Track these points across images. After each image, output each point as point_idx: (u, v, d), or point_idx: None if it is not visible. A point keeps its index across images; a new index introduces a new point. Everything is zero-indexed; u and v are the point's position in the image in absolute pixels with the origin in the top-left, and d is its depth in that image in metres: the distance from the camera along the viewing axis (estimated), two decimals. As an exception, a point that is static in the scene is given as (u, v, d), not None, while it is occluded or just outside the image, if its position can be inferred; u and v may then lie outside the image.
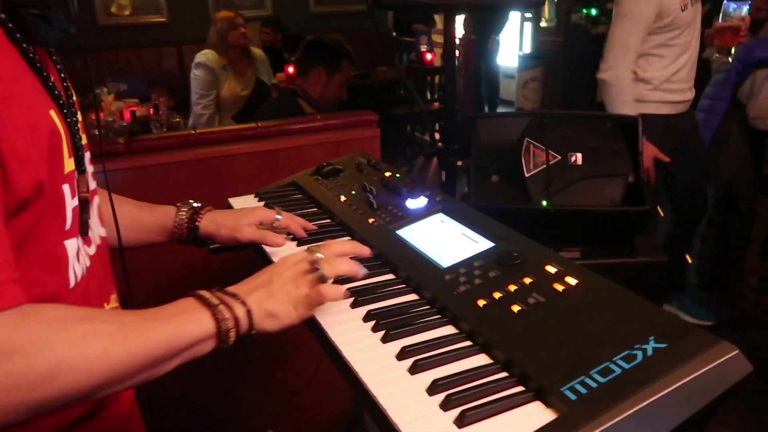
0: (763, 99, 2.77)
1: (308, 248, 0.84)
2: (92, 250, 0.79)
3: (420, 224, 1.04)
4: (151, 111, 3.78)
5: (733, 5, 2.30)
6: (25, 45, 0.66)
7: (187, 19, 5.71)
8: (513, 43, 7.69)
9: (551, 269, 0.80)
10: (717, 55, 2.42)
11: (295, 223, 1.11)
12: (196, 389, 1.68)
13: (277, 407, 1.92)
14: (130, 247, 0.93)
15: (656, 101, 2.41)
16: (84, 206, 0.77)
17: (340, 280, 0.86)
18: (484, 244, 0.92)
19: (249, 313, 0.73)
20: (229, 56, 3.81)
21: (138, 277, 0.96)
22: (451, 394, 0.63)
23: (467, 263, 0.87)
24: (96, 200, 0.83)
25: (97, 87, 3.59)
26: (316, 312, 0.81)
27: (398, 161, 5.18)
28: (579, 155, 1.61)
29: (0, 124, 0.58)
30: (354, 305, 0.85)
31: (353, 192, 1.23)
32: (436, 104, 5.61)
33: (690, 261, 3.04)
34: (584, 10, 6.52)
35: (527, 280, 0.79)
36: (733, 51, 2.38)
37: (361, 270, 0.84)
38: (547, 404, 0.61)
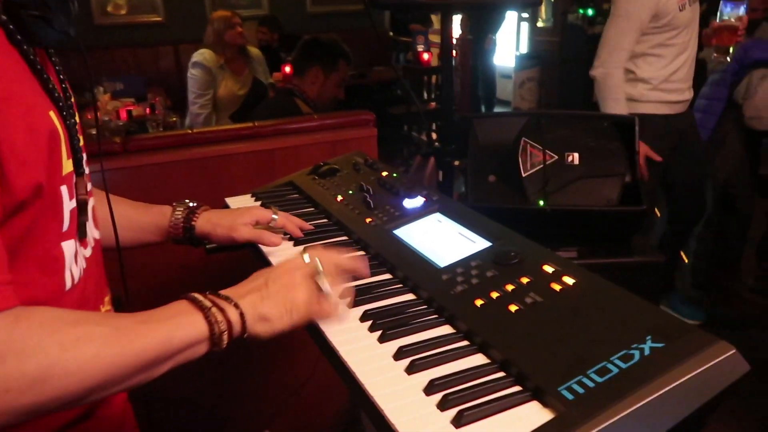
0: (760, 99, 2.78)
1: (305, 249, 0.82)
2: (88, 252, 0.79)
3: (417, 224, 1.04)
4: (148, 110, 3.77)
5: (730, 5, 2.30)
6: (25, 46, 0.66)
7: (184, 18, 5.71)
8: (510, 43, 7.70)
9: (548, 269, 0.80)
10: (715, 54, 2.43)
11: (292, 222, 1.11)
12: (192, 389, 1.67)
13: (274, 407, 1.92)
14: (125, 247, 0.93)
15: (655, 101, 2.41)
16: (82, 208, 0.77)
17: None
18: (481, 243, 0.91)
19: (242, 316, 0.72)
20: (226, 55, 3.80)
21: (134, 278, 0.95)
22: (449, 393, 0.63)
23: (464, 263, 0.87)
24: (90, 202, 0.83)
25: (88, 79, 3.56)
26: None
27: (395, 161, 5.18)
28: (576, 155, 1.61)
29: (0, 125, 0.58)
30: (351, 306, 0.85)
31: (350, 192, 1.22)
32: (433, 104, 5.61)
33: (686, 260, 3.05)
34: (581, 11, 6.53)
35: (524, 280, 0.79)
36: (731, 51, 2.39)
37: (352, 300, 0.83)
38: (545, 404, 0.61)
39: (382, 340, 0.76)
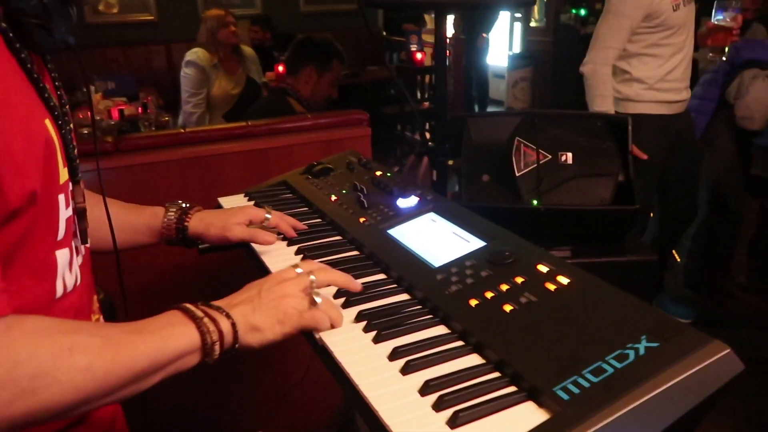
0: (751, 99, 2.79)
1: (301, 260, 0.82)
2: (80, 260, 0.78)
3: (411, 224, 1.04)
4: (140, 110, 3.75)
5: (724, 5, 2.32)
6: (23, 54, 0.66)
7: (176, 17, 5.68)
8: (503, 43, 7.71)
9: (543, 268, 0.80)
10: (711, 54, 2.44)
11: (285, 222, 1.10)
12: (185, 391, 1.66)
13: (267, 408, 1.91)
14: (118, 249, 0.92)
15: (651, 101, 2.42)
16: (82, 216, 0.76)
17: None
18: (475, 243, 0.91)
19: (234, 326, 0.72)
20: (219, 54, 3.79)
21: (127, 279, 0.95)
22: (444, 394, 0.63)
23: (459, 263, 0.87)
24: None
25: (84, 85, 3.54)
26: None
27: (389, 161, 5.18)
28: (569, 155, 1.61)
29: None
30: (345, 305, 0.84)
31: (344, 191, 1.22)
32: (426, 104, 5.61)
33: (678, 260, 3.06)
34: (573, 11, 6.56)
35: (519, 280, 0.79)
36: (726, 50, 2.40)
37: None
38: (540, 404, 0.61)
39: (376, 340, 0.76)
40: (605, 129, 1.68)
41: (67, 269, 0.72)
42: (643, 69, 2.40)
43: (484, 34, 6.77)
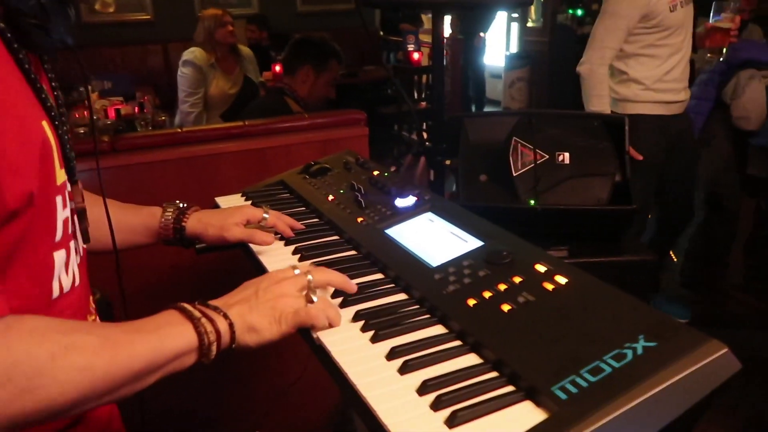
0: (747, 99, 2.80)
1: (298, 262, 0.82)
2: (77, 260, 0.78)
3: (409, 223, 1.04)
4: (136, 109, 3.74)
5: (723, 6, 2.32)
6: (21, 55, 0.65)
7: (172, 16, 5.67)
8: (500, 43, 7.72)
9: (541, 268, 0.80)
10: (709, 55, 2.45)
11: (283, 222, 1.10)
12: (181, 391, 1.66)
13: (264, 408, 1.91)
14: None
15: (649, 101, 2.43)
16: (81, 215, 0.76)
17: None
18: (473, 243, 0.91)
19: (231, 326, 0.72)
20: (216, 54, 3.78)
21: (124, 279, 0.94)
22: (442, 394, 0.63)
23: (456, 262, 0.87)
24: None
25: (81, 85, 3.54)
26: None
27: (386, 160, 5.18)
28: (566, 154, 1.62)
29: None
30: (343, 305, 0.84)
31: (341, 191, 1.22)
32: (424, 104, 5.61)
33: (675, 260, 3.07)
34: (570, 11, 6.57)
35: (517, 279, 0.79)
36: (724, 51, 2.41)
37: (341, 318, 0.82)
38: (538, 404, 0.61)
39: (374, 340, 0.76)
40: (602, 129, 1.68)
41: (64, 270, 0.72)
42: (641, 69, 2.40)
43: (482, 34, 6.78)
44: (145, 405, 0.90)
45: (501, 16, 7.36)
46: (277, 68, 4.14)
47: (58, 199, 0.69)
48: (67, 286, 0.72)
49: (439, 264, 0.88)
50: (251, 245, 1.06)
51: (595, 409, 0.56)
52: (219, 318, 0.71)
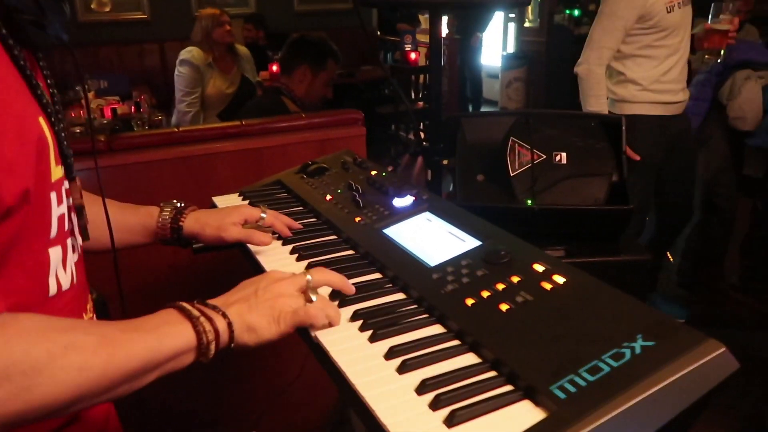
0: (743, 100, 2.81)
1: (296, 262, 0.81)
2: (75, 258, 0.78)
3: (407, 223, 1.04)
4: (133, 109, 3.73)
5: (721, 8, 2.33)
6: (16, 51, 0.65)
7: (169, 16, 5.66)
8: (497, 43, 7.72)
9: (539, 268, 0.80)
10: (707, 57, 2.46)
11: (280, 221, 1.10)
12: (179, 390, 1.65)
13: (262, 407, 1.91)
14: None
15: (646, 102, 2.43)
16: (80, 212, 0.76)
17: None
18: (471, 242, 0.91)
19: (230, 325, 0.72)
20: (214, 54, 3.77)
21: (123, 276, 0.94)
22: (441, 393, 0.63)
23: (455, 262, 0.87)
24: None
25: (77, 84, 3.53)
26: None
27: (383, 160, 5.17)
28: (563, 154, 1.62)
29: None
30: (341, 305, 0.84)
31: (339, 191, 1.22)
32: (421, 103, 5.62)
33: (672, 259, 3.07)
34: (567, 11, 6.58)
35: (515, 279, 0.79)
36: (722, 53, 2.42)
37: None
38: (537, 403, 0.61)
39: (372, 339, 0.75)
40: (599, 129, 1.68)
41: (61, 267, 0.71)
42: (638, 70, 2.41)
43: (479, 34, 6.79)
44: (142, 405, 0.90)
45: (498, 16, 7.37)
46: (274, 68, 4.14)
47: (53, 196, 0.69)
48: (65, 283, 0.72)
49: (437, 263, 0.88)
50: (249, 245, 1.06)
51: (593, 409, 0.56)
52: (218, 317, 0.71)
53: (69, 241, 0.74)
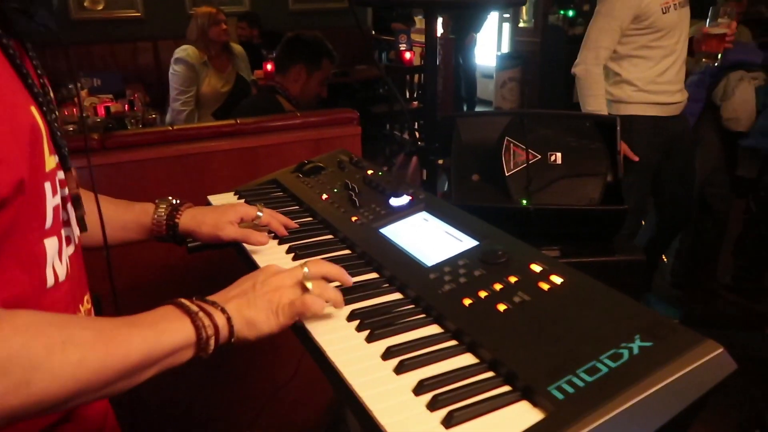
0: (737, 101, 2.82)
1: (292, 261, 0.81)
2: (71, 250, 0.77)
3: (403, 222, 1.03)
4: (126, 107, 3.71)
5: (719, 11, 2.34)
6: (5, 41, 0.64)
7: (163, 14, 5.64)
8: (491, 43, 7.73)
9: (536, 268, 0.79)
10: (704, 60, 2.47)
11: (277, 220, 1.09)
12: (175, 389, 1.65)
13: (256, 408, 1.90)
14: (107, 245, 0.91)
15: (642, 102, 2.44)
16: (77, 202, 0.76)
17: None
18: (468, 242, 0.91)
19: (229, 320, 0.72)
20: (209, 52, 3.76)
21: (116, 275, 0.93)
22: (439, 394, 0.63)
23: (452, 262, 0.87)
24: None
25: (70, 82, 3.51)
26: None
27: (378, 160, 5.17)
28: (558, 155, 1.62)
29: None
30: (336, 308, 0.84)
31: (335, 190, 1.21)
32: (415, 103, 5.62)
33: (665, 260, 3.09)
34: (561, 12, 6.60)
35: (512, 279, 0.78)
36: (719, 57, 2.43)
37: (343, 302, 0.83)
38: (535, 404, 0.61)
39: (369, 339, 0.75)
40: (594, 129, 1.68)
41: (57, 258, 0.71)
42: (634, 71, 2.42)
43: (474, 34, 6.80)
44: (139, 404, 0.89)
45: (492, 17, 7.38)
46: (269, 67, 4.13)
47: (47, 186, 0.68)
48: (61, 275, 0.72)
49: (434, 263, 0.88)
50: (245, 245, 1.05)
51: (591, 409, 0.56)
52: (216, 312, 0.71)
53: (63, 232, 0.74)
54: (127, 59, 5.46)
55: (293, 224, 1.11)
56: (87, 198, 0.88)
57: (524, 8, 6.89)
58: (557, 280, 0.76)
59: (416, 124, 5.17)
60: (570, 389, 0.59)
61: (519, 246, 0.87)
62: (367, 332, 0.76)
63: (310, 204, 1.20)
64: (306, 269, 0.80)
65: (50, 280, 0.69)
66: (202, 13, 3.77)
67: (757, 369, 2.34)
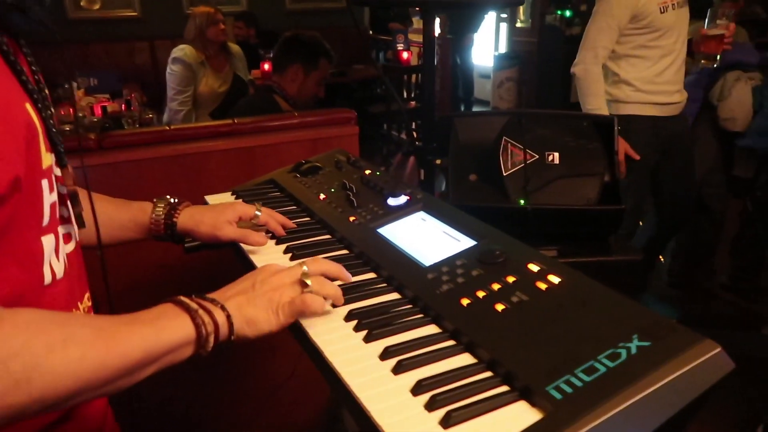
0: (733, 101, 2.83)
1: (290, 261, 0.81)
2: (70, 247, 0.77)
3: (401, 222, 1.03)
4: (123, 107, 3.71)
5: (717, 13, 2.35)
6: None
7: (160, 13, 5.63)
8: (489, 43, 7.74)
9: (534, 267, 0.79)
10: (703, 61, 2.47)
11: (275, 220, 1.09)
12: (173, 389, 1.64)
13: (254, 407, 1.90)
14: (104, 244, 0.91)
15: (640, 102, 2.44)
16: (74, 199, 0.76)
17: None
18: (466, 242, 0.91)
19: (229, 318, 0.72)
20: (207, 52, 3.75)
21: (111, 277, 0.93)
22: (437, 394, 0.63)
23: (450, 262, 0.87)
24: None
25: (67, 82, 3.50)
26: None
27: (375, 160, 5.17)
28: (556, 154, 1.62)
29: None
30: (335, 305, 0.84)
31: (333, 190, 1.21)
32: (413, 103, 5.62)
33: (662, 260, 3.09)
34: (558, 12, 6.61)
35: (510, 279, 0.78)
36: (718, 58, 2.43)
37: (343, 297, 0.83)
38: (533, 404, 0.61)
39: (367, 339, 0.75)
40: (592, 129, 1.68)
41: (54, 255, 0.71)
42: (632, 71, 2.42)
43: (471, 34, 6.80)
44: (138, 404, 0.89)
45: (490, 17, 7.38)
46: (266, 66, 4.13)
47: (44, 183, 0.68)
48: (59, 272, 0.71)
49: (432, 263, 0.88)
50: (243, 245, 1.05)
51: (590, 409, 0.56)
52: (216, 310, 0.71)
53: (61, 229, 0.74)
54: (124, 59, 5.45)
55: (291, 224, 1.11)
56: (83, 198, 0.88)
57: (521, 8, 6.89)
58: (555, 279, 0.76)
59: (414, 123, 5.16)
60: (568, 389, 0.59)
61: (517, 246, 0.87)
62: (365, 332, 0.76)
63: (307, 204, 1.19)
64: (305, 267, 0.80)
65: (48, 278, 0.69)
66: (200, 13, 3.76)
67: (755, 369, 2.35)
